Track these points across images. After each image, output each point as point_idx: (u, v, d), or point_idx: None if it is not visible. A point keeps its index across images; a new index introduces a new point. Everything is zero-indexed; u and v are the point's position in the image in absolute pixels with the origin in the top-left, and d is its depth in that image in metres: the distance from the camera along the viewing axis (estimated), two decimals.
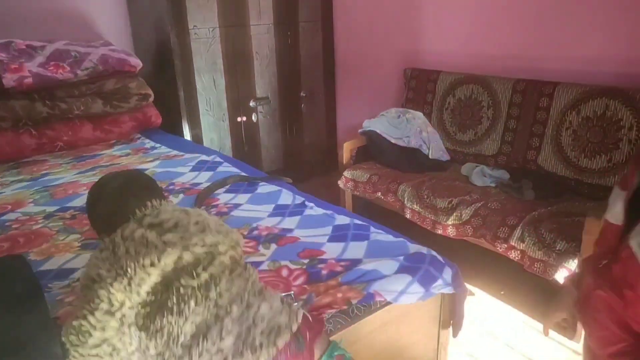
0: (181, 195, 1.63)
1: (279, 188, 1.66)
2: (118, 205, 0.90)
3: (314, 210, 1.49)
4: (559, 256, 1.52)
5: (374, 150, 2.51)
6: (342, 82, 3.20)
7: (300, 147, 3.15)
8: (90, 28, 2.63)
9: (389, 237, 1.31)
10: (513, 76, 2.18)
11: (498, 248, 1.71)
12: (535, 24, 2.13)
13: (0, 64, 2.04)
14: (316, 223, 1.41)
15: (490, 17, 2.31)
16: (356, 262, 1.19)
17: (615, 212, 0.87)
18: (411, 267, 1.17)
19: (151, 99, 2.44)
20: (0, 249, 1.28)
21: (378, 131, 2.50)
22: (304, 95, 3.05)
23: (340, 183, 2.42)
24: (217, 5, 2.53)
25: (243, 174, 1.79)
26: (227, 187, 1.68)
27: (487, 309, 1.80)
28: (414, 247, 1.26)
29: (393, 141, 2.49)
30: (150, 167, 1.86)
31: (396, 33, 2.77)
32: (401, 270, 1.15)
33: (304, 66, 3.01)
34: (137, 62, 2.37)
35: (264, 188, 1.67)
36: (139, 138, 2.39)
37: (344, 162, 2.46)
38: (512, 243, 1.65)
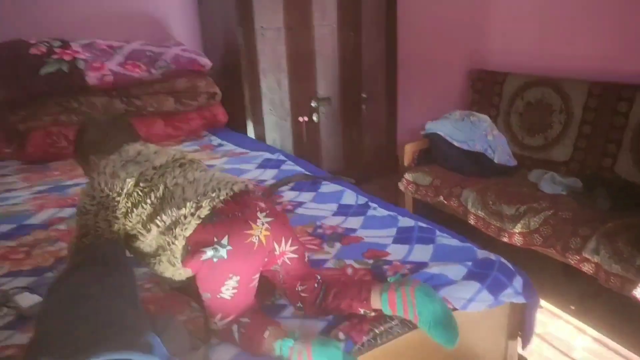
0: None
1: (342, 188, 1.67)
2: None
3: (377, 211, 1.49)
4: (638, 271, 1.43)
5: (436, 153, 2.46)
6: (404, 83, 3.17)
7: (360, 148, 3.15)
8: (163, 29, 2.76)
9: (455, 242, 1.29)
10: (588, 78, 2.07)
11: (569, 260, 1.63)
12: (614, 22, 2.02)
13: (84, 63, 2.18)
14: (380, 224, 1.40)
15: (564, 15, 2.20)
16: (422, 265, 1.18)
17: None
18: (479, 273, 1.14)
19: (218, 97, 2.53)
20: None
21: (441, 134, 2.45)
22: (365, 96, 3.05)
23: (401, 185, 2.40)
24: (283, 6, 2.58)
25: (306, 172, 1.82)
26: (291, 184, 1.71)
27: (556, 323, 1.72)
28: (481, 253, 1.23)
29: (457, 144, 2.43)
30: (218, 164, 1.93)
31: (461, 33, 2.71)
32: (469, 276, 1.13)
33: (365, 67, 3.00)
34: (206, 62, 2.47)
35: (327, 187, 1.69)
36: (205, 135, 2.48)
37: (405, 164, 2.43)
38: (585, 255, 1.57)
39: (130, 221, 0.96)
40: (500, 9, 2.48)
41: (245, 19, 2.49)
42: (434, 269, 1.14)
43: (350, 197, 1.59)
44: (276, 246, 0.94)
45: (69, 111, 2.12)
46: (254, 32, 2.53)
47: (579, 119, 2.07)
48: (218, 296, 0.88)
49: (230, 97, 2.62)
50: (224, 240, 0.87)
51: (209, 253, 0.86)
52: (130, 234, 0.98)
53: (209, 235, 0.88)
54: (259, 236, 0.90)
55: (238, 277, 0.88)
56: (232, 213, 0.91)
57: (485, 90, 2.49)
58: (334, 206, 1.54)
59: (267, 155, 2.01)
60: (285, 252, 0.96)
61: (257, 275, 0.93)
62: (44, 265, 1.22)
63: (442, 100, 2.90)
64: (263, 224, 0.92)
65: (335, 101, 2.93)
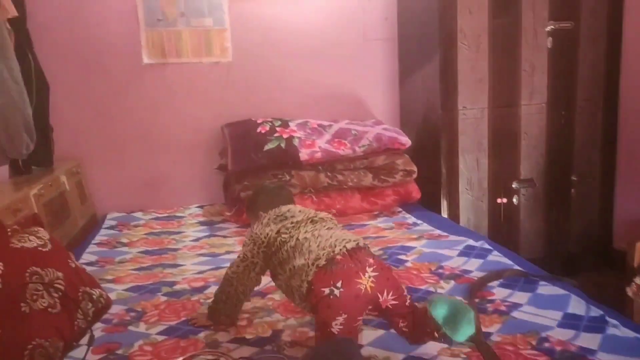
0: (452, 282, 1.57)
1: (566, 292, 1.45)
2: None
3: (619, 330, 1.23)
4: None
5: None
6: (625, 167, 2.75)
7: (566, 236, 2.79)
8: (365, 108, 2.93)
9: None
10: None
11: None
12: None
13: (298, 140, 2.42)
14: (626, 349, 1.15)
15: None
16: None
17: None
18: None
19: (414, 175, 2.53)
20: (296, 309, 1.42)
21: None
22: (574, 179, 2.73)
23: (630, 291, 2.01)
24: (489, 86, 2.52)
25: (517, 267, 1.64)
26: (501, 280, 1.55)
27: None
28: None
29: None
30: (418, 246, 1.88)
31: None
32: None
33: (577, 148, 2.71)
34: (406, 141, 2.52)
35: (546, 289, 1.49)
36: (399, 212, 2.48)
37: (635, 264, 2.05)
38: None
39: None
40: None
41: (448, 100, 2.49)
42: None
43: (578, 306, 1.36)
44: (379, 295, 1.10)
45: (282, 183, 2.34)
46: (456, 113, 2.50)
47: None
48: (328, 330, 1.05)
49: (425, 174, 2.60)
50: (338, 284, 1.06)
51: (327, 291, 1.06)
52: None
53: (327, 279, 1.07)
54: (365, 285, 1.08)
55: (346, 316, 1.05)
56: (346, 264, 1.10)
57: None
58: (557, 314, 1.33)
59: (470, 242, 1.88)
60: (387, 300, 1.12)
61: (361, 318, 1.11)
62: (263, 335, 1.29)
63: None
64: (370, 277, 1.09)
65: (539, 183, 2.68)
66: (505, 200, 2.65)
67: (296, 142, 2.41)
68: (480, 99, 2.53)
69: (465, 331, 1.03)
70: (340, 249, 1.12)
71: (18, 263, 1.13)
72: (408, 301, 1.16)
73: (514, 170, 2.65)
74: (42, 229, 1.35)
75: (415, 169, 2.53)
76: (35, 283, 1.12)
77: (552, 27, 2.52)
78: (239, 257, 1.32)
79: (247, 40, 2.73)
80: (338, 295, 1.05)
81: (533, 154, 2.66)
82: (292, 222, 1.26)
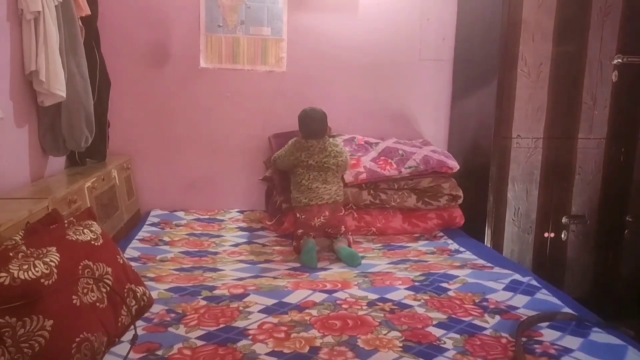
0: (497, 317, 1.51)
1: (622, 342, 1.36)
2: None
3: None
4: None
5: None
6: None
7: (615, 278, 2.65)
8: (413, 128, 2.90)
9: None
10: None
11: None
12: None
13: None
14: None
15: None
16: None
17: None
18: None
19: (460, 200, 2.47)
20: (333, 327, 1.41)
21: None
22: (629, 220, 2.59)
23: None
24: (546, 117, 2.44)
25: (568, 309, 1.56)
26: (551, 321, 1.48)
27: None
28: None
29: None
30: (461, 275, 1.82)
31: None
32: None
33: (635, 187, 2.58)
34: (455, 165, 2.46)
35: (600, 336, 1.40)
36: (441, 236, 2.42)
37: None
38: None
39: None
40: None
41: (503, 127, 2.43)
42: None
43: (637, 359, 1.28)
44: (325, 228, 2.13)
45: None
46: (510, 140, 2.43)
47: None
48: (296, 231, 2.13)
49: (470, 199, 2.53)
50: (303, 216, 2.14)
51: (298, 215, 2.17)
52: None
53: (300, 211, 2.15)
54: (315, 222, 2.10)
55: (302, 230, 2.11)
56: (311, 210, 2.10)
57: None
58: None
59: (517, 276, 1.81)
60: (328, 231, 2.13)
61: (313, 233, 2.10)
62: (301, 351, 1.27)
63: None
64: (318, 220, 2.09)
65: (591, 220, 2.57)
66: (553, 234, 2.55)
67: None
68: (536, 128, 2.45)
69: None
70: (312, 202, 2.08)
71: (73, 255, 1.16)
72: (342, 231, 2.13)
73: (565, 204, 2.55)
74: (95, 223, 1.38)
75: (461, 194, 2.47)
76: (86, 277, 1.14)
77: (620, 60, 2.42)
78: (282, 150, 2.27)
79: (302, 52, 2.75)
80: (301, 219, 2.10)
81: (587, 190, 2.55)
82: (306, 163, 2.14)
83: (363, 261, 2.03)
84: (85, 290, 1.14)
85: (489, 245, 2.49)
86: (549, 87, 2.43)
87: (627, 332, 1.47)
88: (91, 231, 1.32)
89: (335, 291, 1.65)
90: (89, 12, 2.08)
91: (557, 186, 2.52)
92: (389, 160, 2.44)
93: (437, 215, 2.47)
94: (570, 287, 2.60)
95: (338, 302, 1.57)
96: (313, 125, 2.18)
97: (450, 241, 2.35)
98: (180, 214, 2.59)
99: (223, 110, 2.75)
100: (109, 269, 1.26)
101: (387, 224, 2.43)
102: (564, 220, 2.53)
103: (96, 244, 1.29)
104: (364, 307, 1.54)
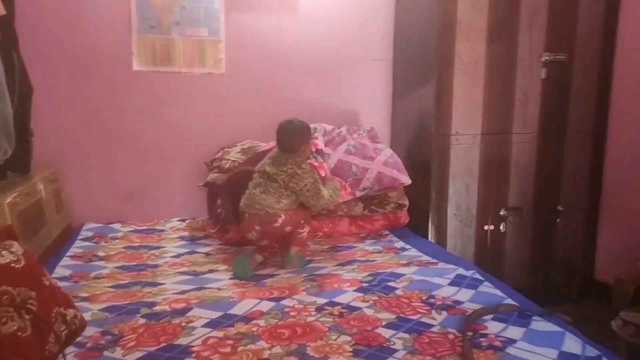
0: (444, 313, 1.53)
1: (560, 329, 1.41)
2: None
3: None
4: None
5: None
6: (610, 201, 2.78)
7: (549, 265, 2.79)
8: (356, 122, 2.88)
9: None
10: None
11: None
12: None
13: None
14: None
15: None
16: None
17: None
18: None
19: (406, 208, 2.48)
20: (282, 336, 1.36)
21: None
22: (561, 209, 2.73)
23: (615, 325, 2.00)
24: (482, 114, 2.52)
25: (510, 300, 1.60)
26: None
27: None
28: None
29: None
30: (408, 273, 1.83)
31: None
32: None
33: (565, 178, 2.72)
34: (407, 180, 2.42)
35: (540, 325, 1.45)
36: (387, 235, 2.43)
37: (622, 300, 2.04)
38: None
39: None
40: None
41: (442, 125, 2.47)
42: None
43: (573, 345, 1.33)
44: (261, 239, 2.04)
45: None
46: (449, 137, 2.49)
47: None
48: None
49: (414, 197, 2.56)
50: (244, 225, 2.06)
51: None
52: None
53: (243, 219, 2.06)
54: (253, 236, 2.03)
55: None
56: (246, 221, 2.03)
57: None
58: (553, 353, 1.29)
59: (461, 270, 1.84)
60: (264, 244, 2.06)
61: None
62: None
63: None
64: (253, 234, 2.03)
65: (527, 212, 2.68)
66: (492, 227, 2.63)
67: None
68: (474, 125, 2.52)
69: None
70: (246, 209, 1.98)
71: None
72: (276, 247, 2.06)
73: (503, 197, 2.64)
74: (16, 243, 1.25)
75: (407, 202, 2.47)
76: (5, 306, 1.03)
77: (547, 58, 2.54)
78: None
79: (241, 53, 2.68)
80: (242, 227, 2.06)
81: (522, 183, 2.66)
82: (263, 169, 2.02)
83: (311, 264, 2.00)
84: (4, 320, 1.03)
85: (433, 241, 2.53)
86: (484, 85, 2.50)
87: (564, 318, 1.53)
88: (11, 252, 1.19)
89: (283, 298, 1.61)
90: (4, 12, 1.91)
91: (495, 180, 2.61)
92: (344, 183, 2.34)
93: (383, 217, 2.48)
94: (510, 276, 2.70)
95: (286, 309, 1.53)
96: (279, 136, 2.03)
97: (395, 239, 2.37)
98: (117, 226, 2.44)
99: (159, 114, 2.63)
100: (33, 293, 1.14)
101: (334, 229, 2.42)
102: (502, 212, 2.63)
103: (17, 266, 1.17)
104: (313, 313, 1.51)
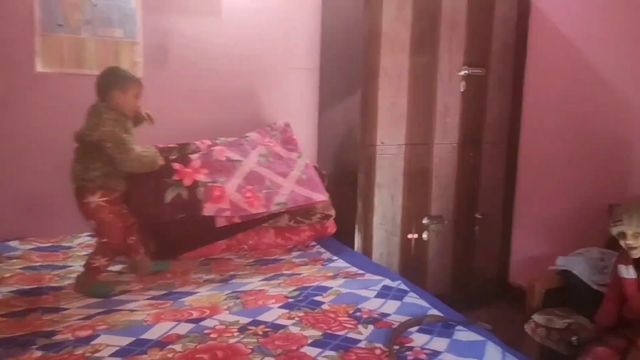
0: (370, 327, 1.50)
1: (482, 338, 1.44)
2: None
3: None
4: None
5: (569, 293, 2.18)
6: (523, 209, 2.94)
7: (469, 271, 2.90)
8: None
9: None
10: None
11: None
12: None
13: (203, 190, 2.04)
14: None
15: None
16: None
17: None
18: None
19: (332, 218, 2.46)
20: None
21: (575, 272, 2.18)
22: (479, 217, 2.85)
23: (528, 328, 2.09)
24: (407, 124, 2.57)
25: (435, 311, 1.62)
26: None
27: None
28: None
29: (594, 287, 2.13)
30: (335, 286, 1.79)
31: (597, 164, 2.50)
32: None
33: (483, 187, 2.85)
34: (322, 197, 2.33)
35: (463, 335, 1.47)
36: (314, 246, 2.39)
37: (534, 304, 2.15)
38: None
39: None
40: None
41: (368, 135, 2.49)
42: None
43: (495, 353, 1.36)
44: None
45: None
46: (375, 147, 2.50)
47: None
48: None
49: (341, 207, 2.55)
50: None
51: None
52: None
53: None
54: None
55: None
56: None
57: None
58: None
59: (387, 281, 1.84)
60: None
61: None
62: None
63: (569, 234, 2.62)
64: None
65: (448, 220, 2.76)
66: (416, 235, 2.68)
67: (200, 193, 2.04)
68: (398, 135, 2.56)
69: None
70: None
71: None
72: None
73: (426, 206, 2.71)
74: None
75: (333, 213, 2.44)
76: None
77: (466, 72, 2.65)
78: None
79: (161, 57, 2.52)
80: None
81: (443, 192, 2.74)
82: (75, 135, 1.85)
83: (234, 280, 1.90)
84: None
85: (359, 251, 2.53)
86: (408, 96, 2.55)
87: (485, 326, 1.57)
88: None
89: (203, 319, 1.51)
90: None
91: (419, 190, 2.67)
92: (257, 194, 2.17)
93: (310, 228, 2.43)
94: (432, 282, 2.77)
95: (206, 331, 1.43)
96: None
97: (323, 250, 2.33)
98: (14, 243, 2.16)
99: (67, 120, 2.38)
100: None
101: (260, 240, 2.33)
102: (424, 221, 2.69)
103: None
104: (235, 334, 1.43)
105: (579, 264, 2.20)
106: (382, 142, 2.53)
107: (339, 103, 2.70)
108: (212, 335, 1.41)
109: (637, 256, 1.75)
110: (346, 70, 2.61)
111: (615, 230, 1.77)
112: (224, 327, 1.46)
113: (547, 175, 2.78)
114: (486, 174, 2.85)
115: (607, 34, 2.44)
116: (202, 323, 1.47)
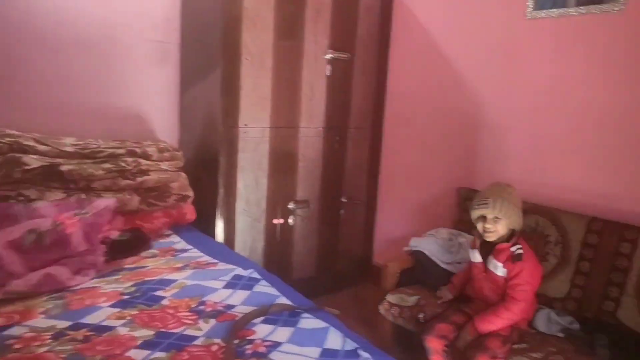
0: (212, 321, 1.40)
1: (326, 325, 1.42)
2: None
3: None
4: None
5: (420, 273, 2.29)
6: (385, 192, 3.06)
7: (334, 254, 2.94)
8: (141, 119, 2.56)
9: None
10: (587, 212, 1.98)
11: None
12: (611, 158, 1.97)
13: None
14: None
15: (556, 145, 2.17)
16: None
17: None
18: None
19: (190, 200, 2.30)
20: None
21: (426, 252, 2.30)
22: (344, 200, 2.89)
23: (382, 308, 2.16)
24: (271, 106, 2.48)
25: (284, 299, 1.56)
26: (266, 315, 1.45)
27: None
28: None
29: (443, 266, 2.27)
30: (180, 279, 1.65)
31: (450, 151, 2.66)
32: None
33: (348, 171, 2.89)
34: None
35: (308, 322, 1.44)
36: (169, 235, 2.21)
37: (388, 285, 2.22)
38: None
39: None
40: (492, 133, 2.45)
41: (230, 117, 2.35)
42: None
43: (335, 339, 1.34)
44: None
45: None
46: (238, 130, 2.38)
47: (577, 255, 1.94)
48: None
49: (201, 192, 2.40)
50: None
51: None
52: None
53: None
54: None
55: None
56: None
57: None
58: (316, 351, 1.28)
59: (239, 270, 1.75)
60: None
61: None
62: None
63: (425, 215, 2.79)
64: None
65: (314, 204, 2.76)
66: (282, 221, 2.64)
67: None
68: (262, 118, 2.46)
69: None
70: None
71: None
72: None
73: (291, 191, 2.66)
74: None
75: (191, 194, 2.29)
76: None
77: (332, 55, 2.63)
78: None
79: None
80: None
81: (309, 176, 2.72)
82: None
83: None
84: None
85: (221, 239, 2.41)
86: (272, 77, 2.46)
87: (332, 311, 1.55)
88: None
89: (10, 327, 1.28)
90: None
91: (284, 174, 2.61)
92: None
93: (164, 214, 2.24)
94: (299, 268, 2.76)
95: (9, 342, 1.21)
96: None
97: (177, 239, 2.17)
98: None
99: None
100: None
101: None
102: (290, 206, 2.65)
103: None
104: (48, 342, 1.23)
105: (429, 245, 2.32)
106: (245, 124, 2.41)
107: (200, 82, 2.51)
108: (15, 346, 1.19)
109: (490, 239, 1.80)
110: (206, 46, 2.42)
111: (477, 213, 1.80)
112: (35, 334, 1.25)
113: (406, 159, 2.91)
114: (351, 158, 2.89)
115: (461, 27, 2.59)
116: (6, 332, 1.25)
